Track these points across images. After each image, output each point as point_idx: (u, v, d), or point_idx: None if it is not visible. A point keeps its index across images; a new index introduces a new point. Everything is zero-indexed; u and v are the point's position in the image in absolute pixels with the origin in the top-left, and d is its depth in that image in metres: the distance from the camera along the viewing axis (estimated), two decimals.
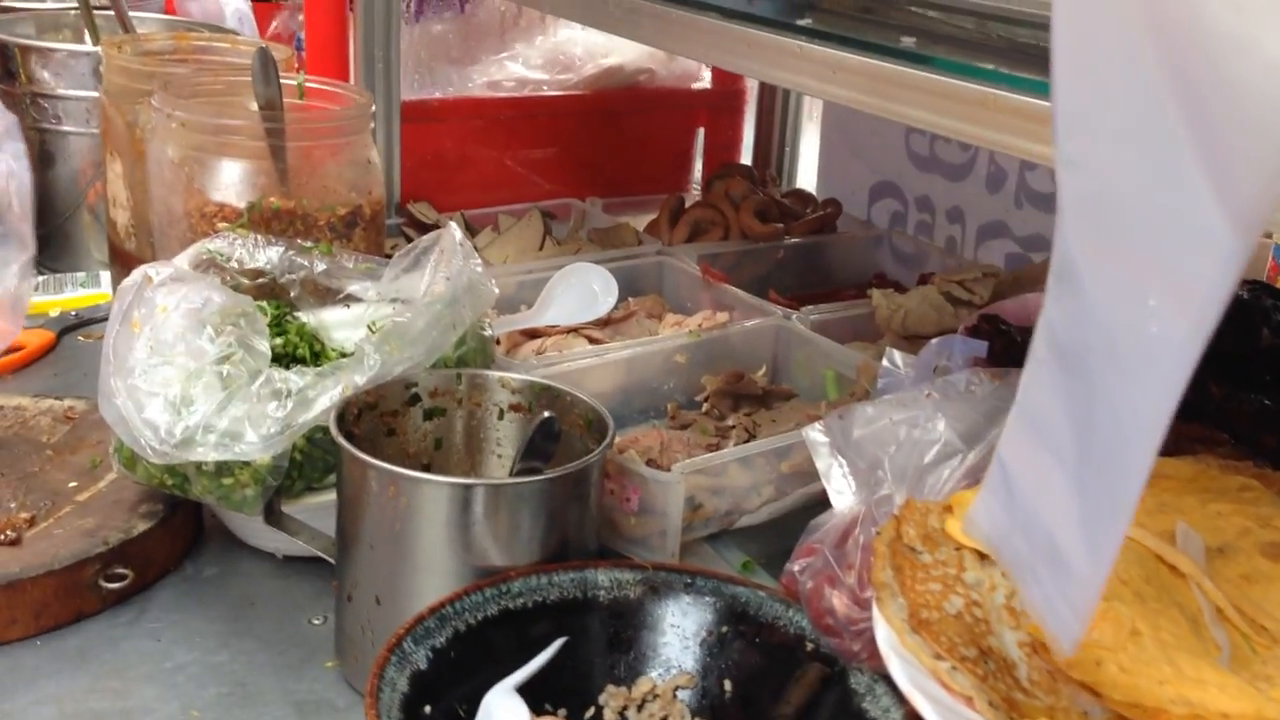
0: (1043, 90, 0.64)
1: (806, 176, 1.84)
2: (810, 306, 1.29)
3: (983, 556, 0.72)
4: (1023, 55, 0.71)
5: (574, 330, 1.23)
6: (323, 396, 0.88)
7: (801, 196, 1.64)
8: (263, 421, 0.86)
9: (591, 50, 1.68)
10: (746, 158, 1.84)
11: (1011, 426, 0.52)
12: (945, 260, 1.50)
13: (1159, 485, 0.80)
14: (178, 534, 0.98)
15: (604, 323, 1.27)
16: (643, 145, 1.73)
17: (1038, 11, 0.71)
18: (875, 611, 0.68)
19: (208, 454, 0.86)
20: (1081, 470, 0.48)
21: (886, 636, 0.67)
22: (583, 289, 1.25)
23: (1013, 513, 0.53)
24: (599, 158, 1.68)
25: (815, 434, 0.88)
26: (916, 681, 0.64)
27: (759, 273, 1.49)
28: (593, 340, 1.22)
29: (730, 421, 1.13)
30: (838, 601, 0.79)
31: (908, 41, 0.76)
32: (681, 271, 1.38)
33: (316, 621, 0.93)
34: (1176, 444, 0.90)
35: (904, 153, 1.62)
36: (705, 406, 1.17)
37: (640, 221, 1.60)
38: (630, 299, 1.33)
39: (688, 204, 1.56)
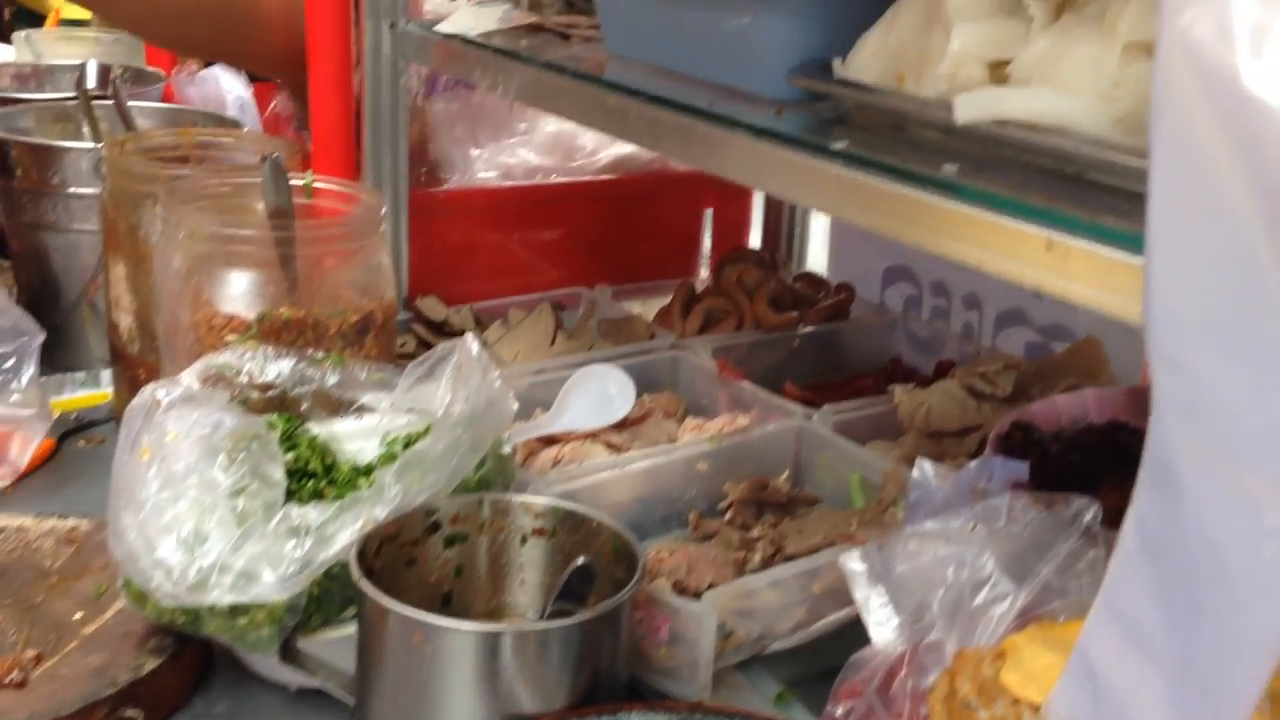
0: (1102, 235, 0.62)
1: (816, 257, 1.82)
2: (830, 405, 1.26)
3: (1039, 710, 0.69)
4: (1073, 191, 0.68)
5: (591, 435, 1.20)
6: (342, 532, 0.85)
7: (813, 281, 1.62)
8: (280, 561, 0.83)
9: (601, 137, 1.66)
10: (755, 238, 1.82)
11: (1098, 619, 0.49)
12: (963, 347, 1.47)
13: None
14: (188, 669, 0.94)
15: (621, 424, 1.23)
16: (651, 229, 1.70)
17: (1084, 150, 0.68)
18: None
19: (223, 596, 0.83)
20: (1182, 681, 0.44)
21: None
22: (599, 392, 1.22)
23: (1099, 710, 0.50)
24: (607, 243, 1.66)
25: (853, 563, 0.85)
26: None
27: (774, 361, 1.46)
28: (611, 445, 1.19)
29: (755, 532, 1.10)
30: None
31: (949, 170, 0.73)
32: (697, 367, 1.35)
33: None
34: None
35: None
36: (729, 515, 1.14)
37: (650, 307, 1.58)
38: (646, 396, 1.30)
39: (699, 289, 1.54)
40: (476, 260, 1.58)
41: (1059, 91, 0.69)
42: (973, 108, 0.71)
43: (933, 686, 0.71)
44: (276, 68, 1.73)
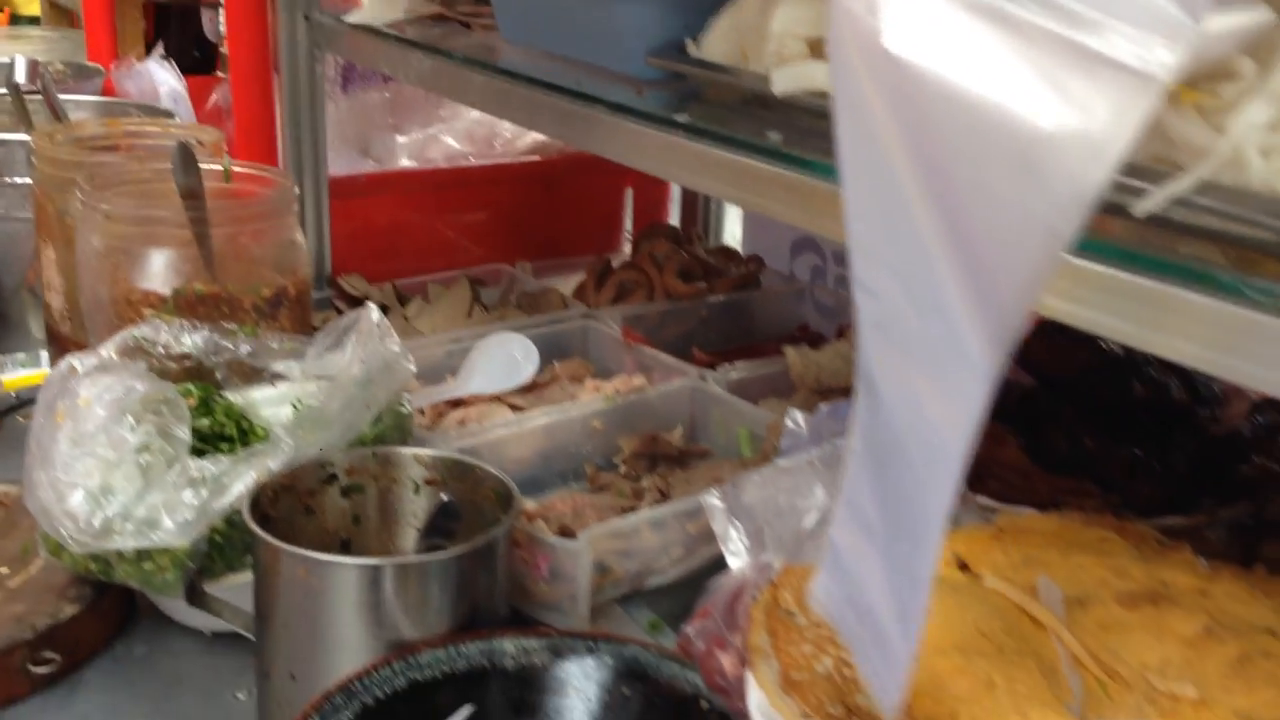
0: None
1: (733, 231, 1.90)
2: (727, 365, 1.34)
3: None
4: None
5: (497, 398, 1.27)
6: (237, 482, 0.92)
7: (726, 253, 1.70)
8: (179, 509, 0.90)
9: None
10: (675, 216, 1.89)
11: (839, 511, 0.57)
12: None
13: (1025, 540, 0.85)
14: (106, 616, 1.01)
15: (528, 389, 1.31)
16: (572, 208, 1.78)
17: None
18: (748, 676, 0.73)
19: (126, 542, 0.90)
20: (890, 554, 0.53)
21: (758, 700, 0.71)
22: (505, 357, 1.29)
23: (845, 590, 0.58)
24: (529, 222, 1.73)
25: (712, 500, 0.93)
26: None
27: (684, 330, 1.54)
28: (514, 408, 1.26)
29: (645, 483, 1.18)
30: (727, 662, 0.83)
31: (774, 137, 0.81)
32: (605, 335, 1.43)
33: (241, 696, 0.97)
34: (1050, 496, 0.96)
35: None
36: (623, 469, 1.22)
37: (572, 283, 1.65)
38: (556, 363, 1.38)
39: (615, 265, 1.61)
40: (402, 241, 1.65)
41: None
42: (788, 80, 0.79)
43: (758, 598, 0.78)
44: None
